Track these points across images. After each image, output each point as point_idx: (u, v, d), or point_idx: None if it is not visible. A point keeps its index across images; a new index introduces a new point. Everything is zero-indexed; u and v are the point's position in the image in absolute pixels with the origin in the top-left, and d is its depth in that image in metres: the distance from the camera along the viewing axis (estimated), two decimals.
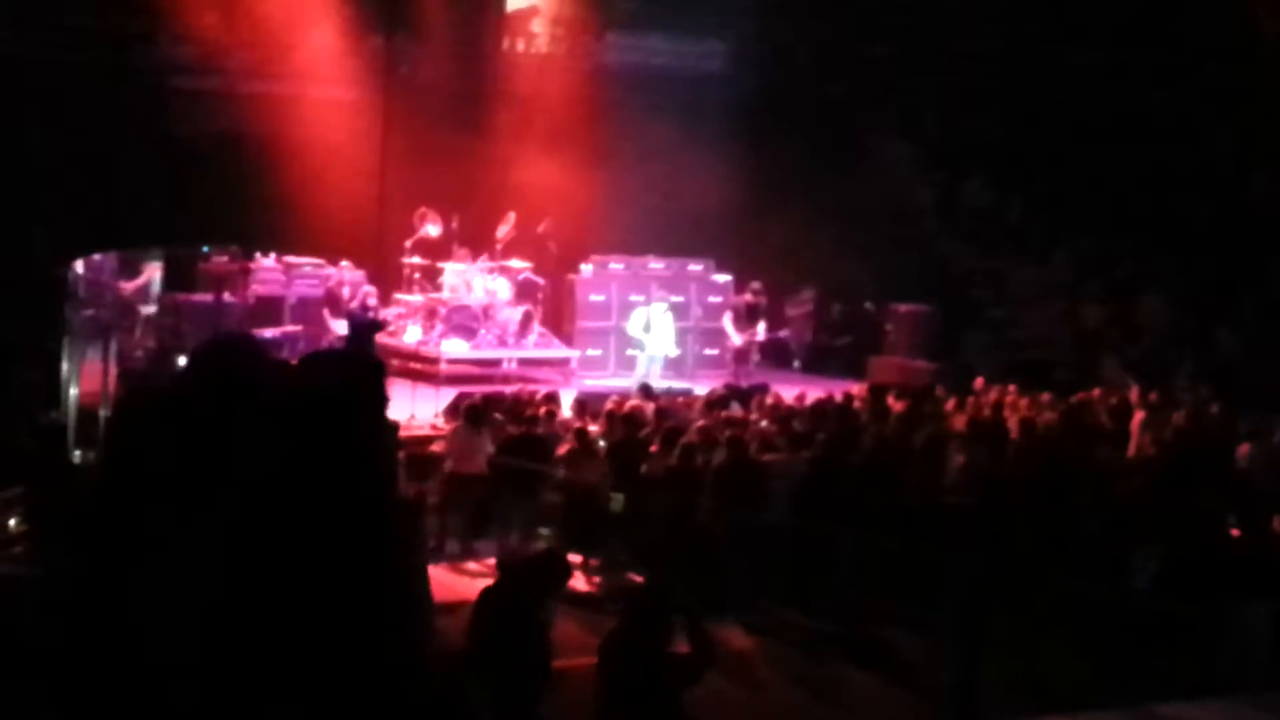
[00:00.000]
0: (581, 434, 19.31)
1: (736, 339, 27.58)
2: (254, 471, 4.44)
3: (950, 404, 22.68)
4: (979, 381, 24.54)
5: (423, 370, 25.63)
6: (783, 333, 30.06)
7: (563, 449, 19.14)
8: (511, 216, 27.80)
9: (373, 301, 25.61)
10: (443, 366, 25.83)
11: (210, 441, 4.47)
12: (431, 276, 27.62)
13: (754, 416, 21.38)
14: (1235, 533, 16.15)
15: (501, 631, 10.11)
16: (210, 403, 4.52)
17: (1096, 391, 24.18)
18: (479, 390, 23.54)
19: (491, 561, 18.07)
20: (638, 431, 19.52)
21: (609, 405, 21.32)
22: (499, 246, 27.78)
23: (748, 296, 28.03)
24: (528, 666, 10.18)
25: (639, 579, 18.33)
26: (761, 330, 28.21)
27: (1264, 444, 20.26)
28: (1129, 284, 30.19)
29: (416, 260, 27.52)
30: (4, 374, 21.38)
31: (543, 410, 20.79)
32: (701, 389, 24.92)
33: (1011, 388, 23.88)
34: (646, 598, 10.35)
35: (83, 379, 21.16)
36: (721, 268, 29.73)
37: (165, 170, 26.84)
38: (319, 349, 5.28)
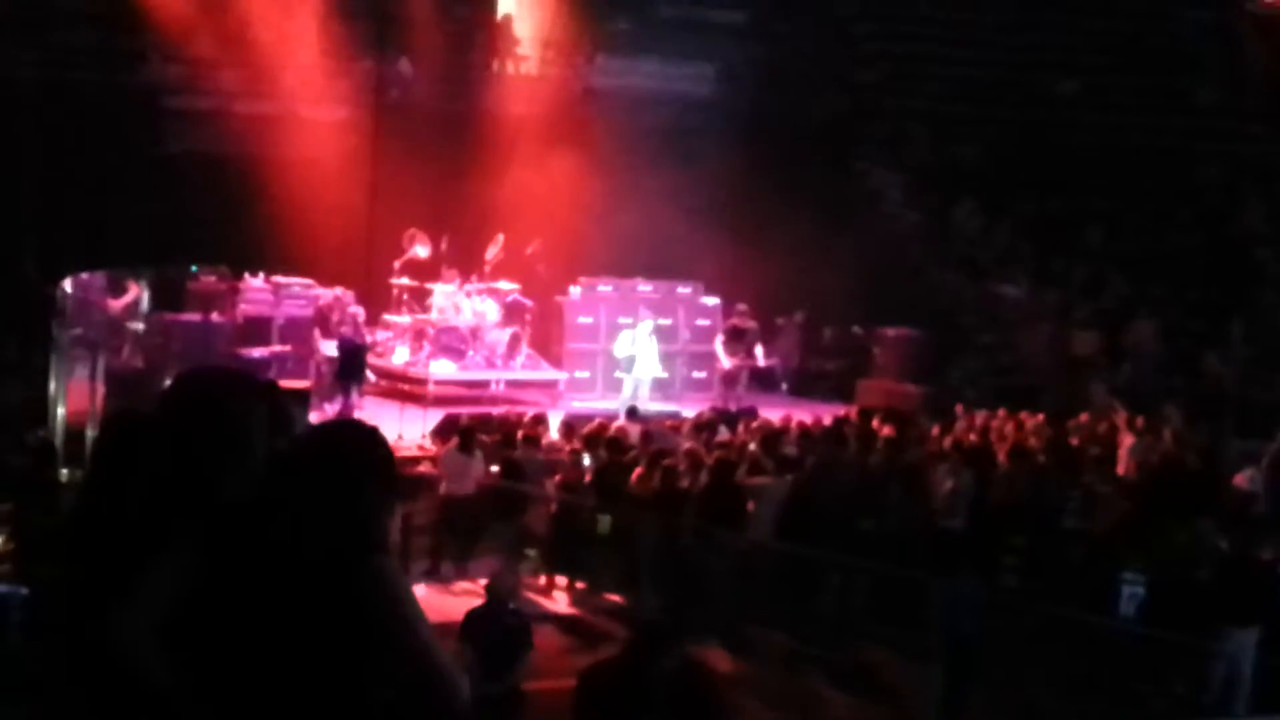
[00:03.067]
0: (576, 456, 19.38)
1: (726, 362, 27.53)
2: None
3: (936, 429, 22.67)
4: (959, 409, 24.53)
5: (410, 391, 25.63)
6: (771, 360, 29.93)
7: (559, 475, 19.20)
8: (500, 238, 27.79)
9: (361, 321, 25.55)
10: (430, 388, 25.81)
11: (190, 464, 4.47)
12: (420, 298, 27.60)
13: (741, 440, 21.38)
14: (1221, 558, 16.14)
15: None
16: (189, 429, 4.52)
17: (1084, 417, 24.18)
18: (466, 411, 23.54)
19: (483, 582, 18.07)
20: (623, 454, 19.53)
21: (594, 428, 21.35)
22: (488, 268, 27.77)
23: (734, 320, 28.03)
24: None
25: (618, 599, 18.38)
26: (760, 355, 28.22)
27: (1259, 469, 20.30)
28: (1118, 310, 30.19)
29: (405, 281, 27.51)
30: None
31: (528, 433, 20.83)
32: (689, 412, 24.94)
33: (1000, 412, 23.89)
34: (648, 635, 9.82)
35: (70, 397, 21.14)
36: (710, 291, 29.72)
37: (155, 189, 26.82)
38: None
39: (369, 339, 26.09)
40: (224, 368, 7.15)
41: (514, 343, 27.37)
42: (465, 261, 27.62)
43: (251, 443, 4.53)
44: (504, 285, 27.79)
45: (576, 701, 9.31)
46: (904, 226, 32.72)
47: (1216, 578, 15.84)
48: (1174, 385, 27.13)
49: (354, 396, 24.04)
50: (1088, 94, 33.72)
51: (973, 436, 21.87)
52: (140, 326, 24.68)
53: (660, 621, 11.27)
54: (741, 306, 28.21)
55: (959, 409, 24.48)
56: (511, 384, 27.25)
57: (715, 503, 17.78)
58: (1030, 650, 15.64)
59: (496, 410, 24.30)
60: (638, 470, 18.78)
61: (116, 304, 24.48)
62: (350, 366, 24.32)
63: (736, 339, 27.64)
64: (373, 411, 24.41)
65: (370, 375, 25.48)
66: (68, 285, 22.66)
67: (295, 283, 26.58)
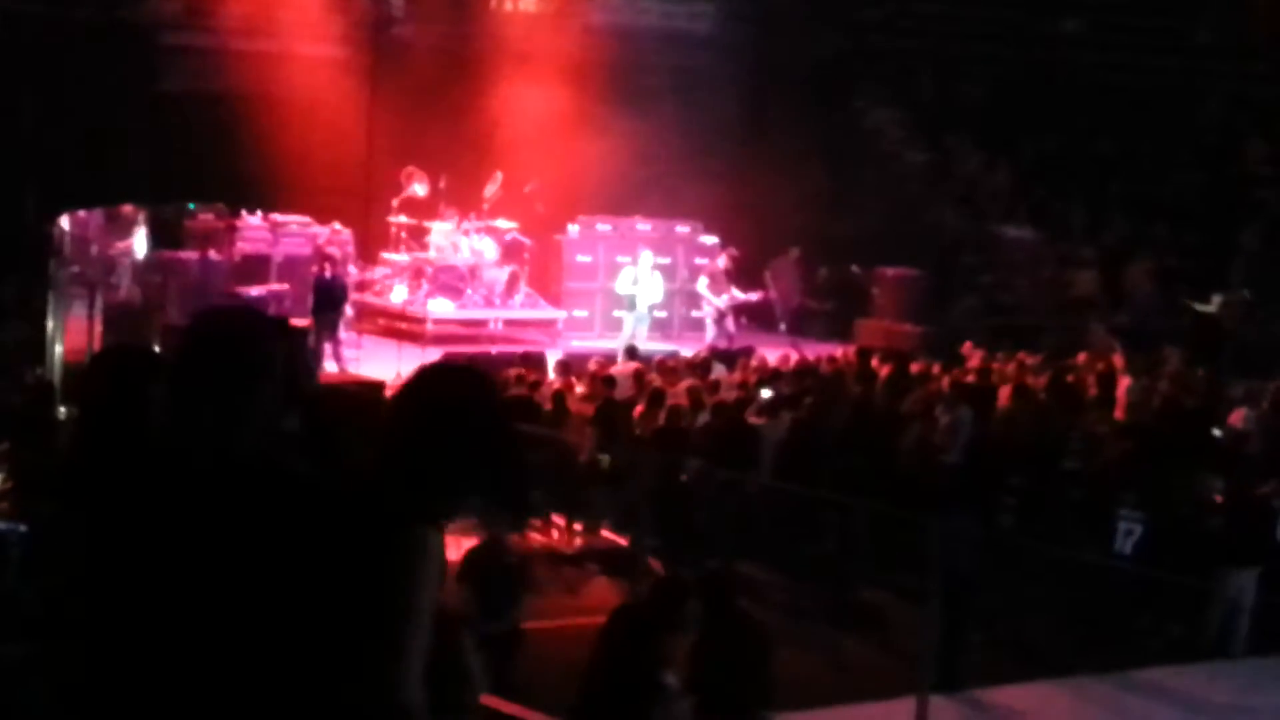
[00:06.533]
0: (560, 395, 19.29)
1: (716, 302, 27.44)
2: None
3: (936, 367, 22.60)
4: (967, 346, 24.44)
5: (409, 330, 25.61)
6: (764, 293, 29.77)
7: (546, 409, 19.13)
8: (499, 176, 27.70)
9: (337, 259, 25.19)
10: (429, 326, 25.78)
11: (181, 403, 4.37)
12: (418, 236, 27.54)
13: (739, 379, 21.36)
14: (1220, 499, 16.12)
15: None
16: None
17: (1083, 357, 24.15)
18: (465, 351, 23.49)
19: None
20: (622, 393, 19.50)
21: (593, 366, 21.31)
22: (486, 206, 27.69)
23: (724, 261, 27.98)
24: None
25: (620, 539, 18.37)
26: (734, 293, 28.05)
27: (1257, 410, 20.26)
28: (1118, 250, 30.14)
29: (403, 219, 27.45)
30: None
31: (517, 372, 20.75)
32: (688, 351, 24.92)
33: (999, 355, 23.84)
34: (669, 586, 9.88)
35: (68, 335, 21.10)
36: (709, 229, 29.62)
37: (154, 127, 26.71)
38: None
39: (353, 276, 25.92)
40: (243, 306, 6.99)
41: (512, 281, 27.33)
42: (463, 200, 27.55)
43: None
44: (502, 223, 27.73)
45: (601, 644, 9.31)
46: (905, 166, 32.62)
47: (1215, 519, 15.84)
48: (1173, 326, 27.10)
49: (337, 332, 23.71)
50: (1090, 33, 33.59)
51: (970, 378, 21.80)
52: (138, 264, 24.61)
53: (678, 577, 11.28)
54: (732, 250, 28.18)
55: (968, 346, 24.39)
56: (510, 323, 27.23)
57: (723, 443, 17.75)
58: (1027, 590, 15.64)
59: (494, 349, 24.25)
60: (639, 408, 18.74)
61: (120, 245, 24.40)
62: (321, 303, 23.97)
63: (721, 279, 27.55)
64: (371, 350, 24.41)
65: (348, 310, 25.11)
66: (65, 223, 22.58)
67: (293, 220, 26.51)
